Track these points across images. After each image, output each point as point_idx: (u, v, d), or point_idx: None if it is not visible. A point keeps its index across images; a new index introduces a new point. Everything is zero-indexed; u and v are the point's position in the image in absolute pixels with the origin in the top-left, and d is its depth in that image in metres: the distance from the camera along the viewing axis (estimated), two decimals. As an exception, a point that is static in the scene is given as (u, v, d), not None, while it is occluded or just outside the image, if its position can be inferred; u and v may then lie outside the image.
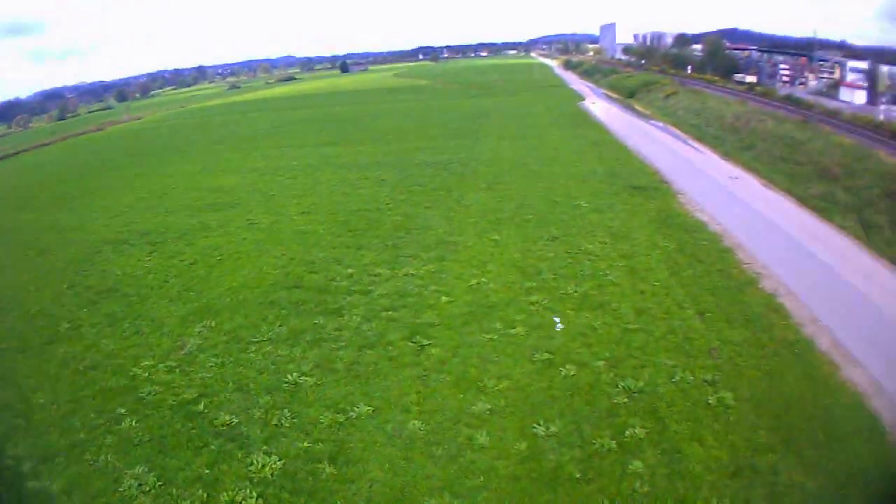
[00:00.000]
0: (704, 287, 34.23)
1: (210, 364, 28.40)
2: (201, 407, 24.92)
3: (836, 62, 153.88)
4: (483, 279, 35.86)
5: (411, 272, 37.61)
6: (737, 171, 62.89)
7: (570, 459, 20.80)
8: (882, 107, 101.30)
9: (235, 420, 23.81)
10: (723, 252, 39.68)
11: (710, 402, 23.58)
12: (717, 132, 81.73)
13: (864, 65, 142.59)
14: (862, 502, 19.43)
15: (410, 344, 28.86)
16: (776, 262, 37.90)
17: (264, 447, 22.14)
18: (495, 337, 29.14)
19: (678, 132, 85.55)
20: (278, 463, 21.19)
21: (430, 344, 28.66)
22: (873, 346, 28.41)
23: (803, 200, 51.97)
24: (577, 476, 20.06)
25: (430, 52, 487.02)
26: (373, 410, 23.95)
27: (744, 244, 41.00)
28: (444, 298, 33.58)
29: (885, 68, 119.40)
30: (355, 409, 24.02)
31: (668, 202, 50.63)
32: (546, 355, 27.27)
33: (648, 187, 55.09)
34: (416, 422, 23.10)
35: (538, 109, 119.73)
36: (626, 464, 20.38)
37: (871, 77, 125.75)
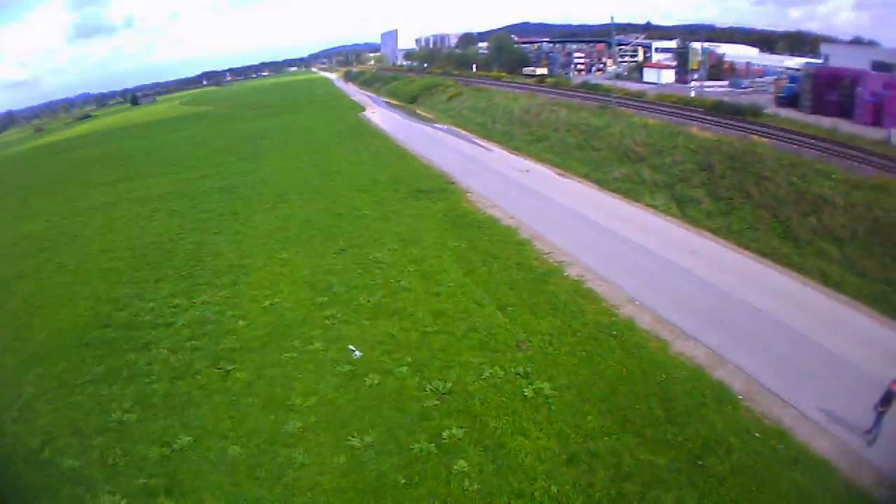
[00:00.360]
0: (502, 282, 39.57)
1: (46, 410, 30.97)
2: (47, 454, 27.27)
3: (638, 44, 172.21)
4: (276, 299, 40.36)
5: (207, 300, 42.00)
6: (528, 163, 71.26)
7: (391, 467, 23.77)
8: (693, 83, 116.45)
9: (77, 464, 26.30)
10: (519, 245, 45.82)
11: (526, 394, 27.53)
12: (505, 128, 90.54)
13: (672, 44, 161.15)
14: (728, 467, 23.64)
15: (216, 370, 32.32)
16: (580, 249, 44.05)
17: (108, 487, 24.54)
18: (295, 355, 32.91)
19: (464, 132, 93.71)
20: (123, 502, 23.71)
21: (234, 368, 32.23)
22: (702, 317, 34.30)
23: (604, 184, 60.34)
24: (403, 482, 23.04)
25: (213, 77, 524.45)
26: (193, 440, 26.87)
27: (542, 235, 47.20)
28: (241, 322, 37.61)
29: (696, 45, 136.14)
30: (177, 440, 26.91)
31: (457, 202, 57.15)
32: (348, 367, 30.91)
33: (434, 190, 61.80)
34: (235, 447, 25.96)
35: (319, 124, 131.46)
36: (450, 465, 23.48)
37: (681, 55, 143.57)
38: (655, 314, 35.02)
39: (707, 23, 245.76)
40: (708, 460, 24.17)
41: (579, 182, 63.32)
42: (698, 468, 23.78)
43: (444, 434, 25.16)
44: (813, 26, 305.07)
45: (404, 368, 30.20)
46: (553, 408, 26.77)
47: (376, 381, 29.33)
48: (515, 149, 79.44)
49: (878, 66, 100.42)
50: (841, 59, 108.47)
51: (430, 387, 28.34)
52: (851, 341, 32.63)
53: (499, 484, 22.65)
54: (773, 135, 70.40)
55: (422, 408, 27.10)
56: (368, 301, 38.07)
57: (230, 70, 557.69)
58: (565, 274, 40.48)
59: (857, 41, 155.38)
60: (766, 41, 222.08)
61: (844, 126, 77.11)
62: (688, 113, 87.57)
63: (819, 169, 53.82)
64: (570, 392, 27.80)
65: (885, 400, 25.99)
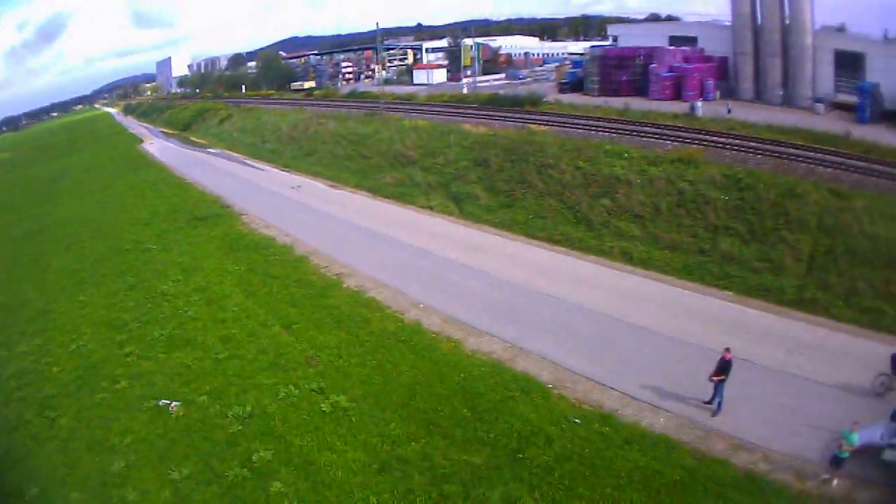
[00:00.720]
0: (284, 301, 41.47)
1: None
2: None
3: (408, 47, 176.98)
4: (81, 342, 40.44)
5: (25, 349, 41.37)
6: (299, 179, 73.96)
7: (213, 496, 24.56)
8: (465, 80, 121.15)
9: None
10: (296, 262, 48.01)
11: (324, 409, 28.97)
12: (275, 146, 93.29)
13: (444, 43, 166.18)
14: (552, 457, 25.31)
15: (43, 419, 32.15)
16: (357, 259, 46.56)
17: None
18: (106, 395, 33.29)
19: (236, 155, 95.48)
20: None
21: (58, 415, 32.19)
22: (493, 312, 36.88)
23: (376, 191, 64.00)
24: None
25: (11, 123, 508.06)
26: (39, 491, 26.90)
27: (318, 249, 49.48)
28: (55, 369, 37.55)
29: (468, 41, 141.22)
30: (27, 492, 26.75)
31: (233, 226, 58.91)
32: (152, 402, 31.45)
33: (211, 216, 63.16)
34: (75, 493, 26.11)
35: (101, 161, 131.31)
36: (266, 487, 24.42)
37: (452, 53, 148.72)
38: (443, 315, 37.34)
39: (482, 18, 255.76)
40: (528, 452, 25.80)
41: (351, 192, 66.65)
42: (520, 461, 25.36)
43: (254, 458, 26.06)
44: (604, 9, 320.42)
45: (204, 397, 30.99)
46: (353, 419, 28.19)
47: (180, 413, 30.05)
48: (286, 166, 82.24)
49: (677, 41, 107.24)
50: (634, 39, 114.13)
51: (231, 413, 29.21)
52: (667, 316, 36.34)
53: (316, 500, 23.72)
54: (554, 122, 75.04)
55: (227, 434, 27.93)
56: (161, 334, 38.82)
57: (25, 114, 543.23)
58: (345, 286, 42.70)
59: (654, 18, 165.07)
60: (547, 29, 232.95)
61: (637, 104, 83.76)
62: (461, 110, 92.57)
63: (609, 150, 57.79)
64: (368, 402, 29.34)
65: (721, 369, 28.40)
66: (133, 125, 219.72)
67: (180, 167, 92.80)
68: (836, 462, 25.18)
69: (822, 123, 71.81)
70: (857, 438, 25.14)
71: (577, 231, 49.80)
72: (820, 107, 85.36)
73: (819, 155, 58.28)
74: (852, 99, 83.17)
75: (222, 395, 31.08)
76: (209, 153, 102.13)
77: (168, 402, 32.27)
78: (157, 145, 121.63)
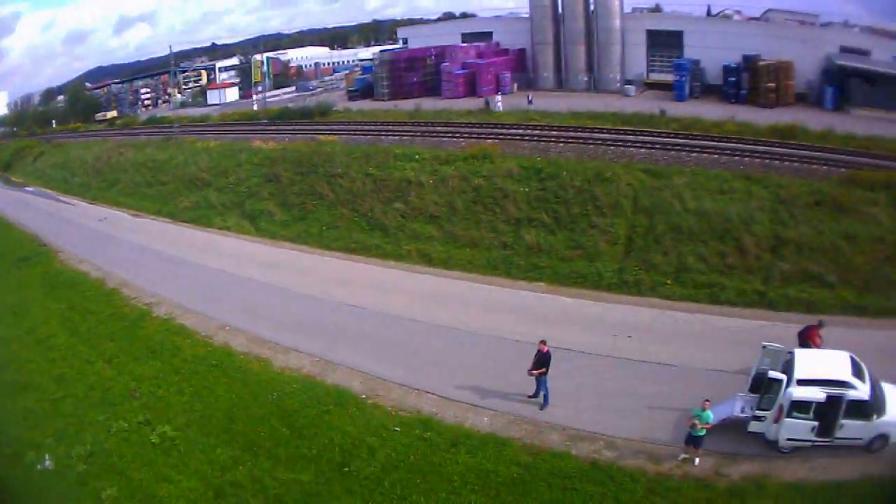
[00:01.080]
0: (103, 335, 41.75)
1: None
2: None
3: (201, 68, 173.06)
4: None
5: None
6: (105, 210, 73.23)
7: None
8: (255, 97, 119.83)
9: None
10: (109, 295, 48.06)
11: (153, 441, 29.60)
12: (83, 179, 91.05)
13: (235, 61, 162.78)
14: (378, 467, 26.05)
15: None
16: (163, 287, 46.98)
17: None
18: None
19: (49, 191, 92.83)
20: None
21: None
22: (298, 328, 38.08)
23: (176, 216, 64.88)
24: None
25: None
26: None
27: (128, 280, 49.63)
28: None
29: (258, 57, 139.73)
30: None
31: (51, 264, 57.96)
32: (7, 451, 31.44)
33: (31, 255, 61.87)
34: None
35: None
36: None
37: (243, 70, 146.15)
38: (249, 334, 38.27)
39: (274, 32, 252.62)
40: (354, 465, 26.37)
41: (153, 219, 66.54)
42: (347, 475, 25.93)
43: (103, 496, 26.61)
44: (396, 12, 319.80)
45: (50, 440, 31.12)
46: (181, 449, 28.88)
47: (32, 458, 30.09)
48: (94, 198, 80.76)
49: (470, 37, 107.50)
50: (426, 39, 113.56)
51: (74, 453, 29.56)
52: (475, 313, 37.52)
53: None
54: (343, 131, 76.31)
55: (76, 474, 28.39)
56: (7, 380, 38.51)
57: None
58: (154, 315, 43.02)
59: (448, 17, 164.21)
60: (338, 37, 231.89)
61: (430, 104, 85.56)
62: (252, 127, 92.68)
63: (399, 153, 58.91)
64: (192, 430, 30.07)
65: (540, 363, 28.58)
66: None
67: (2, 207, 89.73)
68: (693, 441, 25.58)
69: (636, 105, 75.34)
70: (713, 415, 25.71)
71: (373, 238, 50.59)
72: (631, 89, 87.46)
73: (630, 137, 60.25)
74: (668, 78, 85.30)
75: (64, 436, 31.30)
76: (26, 191, 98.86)
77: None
78: None
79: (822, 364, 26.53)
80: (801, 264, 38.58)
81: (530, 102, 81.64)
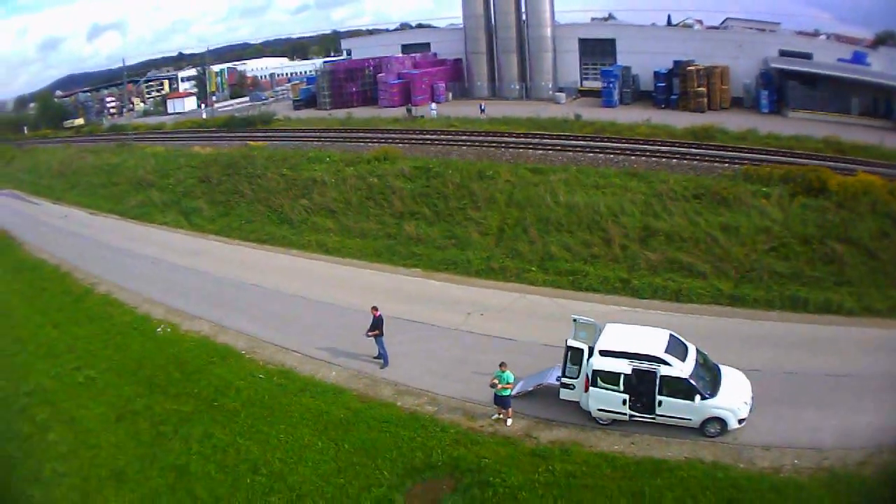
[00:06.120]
0: (53, 307, 48.52)
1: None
2: None
3: (164, 77, 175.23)
4: None
5: None
6: (66, 209, 78.96)
7: (12, 448, 31.57)
8: (204, 106, 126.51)
9: None
10: (62, 277, 54.80)
11: (80, 380, 36.55)
12: (48, 181, 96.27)
13: (194, 72, 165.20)
14: (239, 403, 31.61)
15: None
16: (106, 271, 53.34)
17: None
18: None
19: (19, 193, 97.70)
20: None
21: None
22: (205, 300, 44.58)
23: (124, 214, 70.79)
24: (20, 455, 31.00)
25: None
26: None
27: (79, 266, 55.89)
28: None
29: (215, 68, 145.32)
30: None
31: (16, 253, 64.70)
32: None
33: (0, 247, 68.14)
34: None
35: None
36: (45, 437, 31.83)
37: (202, 81, 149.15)
38: (166, 306, 44.77)
39: (241, 42, 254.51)
40: (221, 400, 32.10)
41: (105, 216, 72.83)
42: (215, 407, 31.65)
43: (38, 419, 33.47)
44: (363, 22, 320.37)
45: (3, 382, 38.37)
46: (100, 386, 35.76)
47: None
48: (57, 199, 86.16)
49: (409, 48, 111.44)
50: (368, 51, 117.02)
51: (21, 390, 36.79)
52: (351, 292, 42.29)
53: (78, 442, 31.04)
54: (275, 137, 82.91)
55: (19, 405, 35.47)
56: None
57: None
58: (96, 291, 49.75)
59: (405, 26, 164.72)
60: (299, 48, 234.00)
61: (364, 112, 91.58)
62: (198, 134, 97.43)
63: (312, 156, 65.78)
64: (110, 373, 36.90)
65: (374, 325, 32.82)
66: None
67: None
68: (500, 401, 27.57)
69: (563, 112, 78.96)
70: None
71: (281, 230, 56.38)
72: (561, 96, 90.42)
73: (531, 140, 65.61)
74: (601, 85, 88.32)
75: (16, 380, 38.18)
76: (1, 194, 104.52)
77: None
78: None
79: (631, 338, 27.25)
80: (669, 254, 40.88)
81: (483, 111, 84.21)
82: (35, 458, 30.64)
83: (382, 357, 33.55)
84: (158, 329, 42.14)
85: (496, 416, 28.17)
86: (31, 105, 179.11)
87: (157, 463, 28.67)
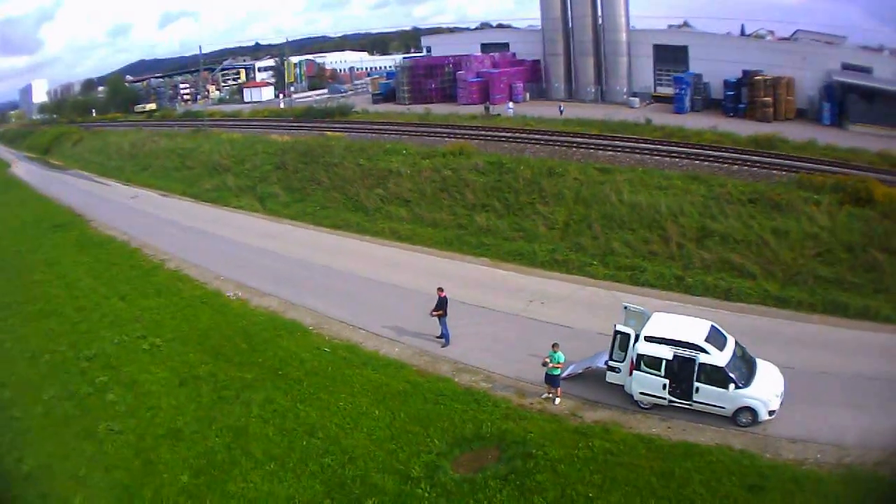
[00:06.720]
0: (120, 280, 50.88)
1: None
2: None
3: (242, 67, 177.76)
4: None
5: None
6: (137, 190, 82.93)
7: (70, 406, 33.20)
8: (282, 97, 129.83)
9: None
10: (131, 253, 57.44)
11: (144, 347, 38.32)
12: (118, 163, 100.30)
13: (272, 62, 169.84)
14: (303, 373, 33.38)
15: None
16: (178, 248, 55.87)
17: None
18: None
19: (86, 173, 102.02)
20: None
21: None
22: (277, 280, 46.30)
23: (198, 196, 73.86)
24: (77, 414, 32.61)
25: None
26: None
27: (149, 243, 58.67)
28: None
29: (293, 59, 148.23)
30: None
31: (83, 230, 67.92)
32: (27, 354, 40.66)
33: (66, 223, 71.67)
34: None
35: None
36: (104, 398, 33.41)
37: (280, 71, 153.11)
38: (237, 283, 47.00)
39: (320, 35, 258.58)
40: (285, 370, 33.94)
41: (178, 198, 76.04)
42: (279, 376, 33.46)
43: (97, 381, 34.98)
44: (444, 20, 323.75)
45: (64, 348, 39.96)
46: (164, 353, 37.52)
47: (48, 358, 39.01)
48: (127, 180, 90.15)
49: (489, 48, 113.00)
50: (447, 48, 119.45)
51: (81, 355, 38.40)
52: (422, 277, 43.93)
53: (137, 404, 32.56)
54: (353, 129, 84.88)
55: (80, 368, 37.07)
56: (34, 309, 47.47)
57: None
58: (166, 267, 52.21)
59: (485, 26, 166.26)
60: (379, 43, 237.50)
61: (442, 109, 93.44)
62: (275, 123, 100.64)
63: (389, 148, 67.91)
64: (175, 342, 38.70)
65: (438, 306, 34.92)
66: (1, 151, 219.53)
67: (41, 186, 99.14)
68: (550, 380, 29.31)
69: (631, 115, 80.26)
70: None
71: (356, 217, 58.51)
72: (635, 100, 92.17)
73: (602, 141, 66.94)
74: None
75: (77, 346, 39.93)
76: (65, 173, 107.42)
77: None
78: (23, 168, 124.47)
79: (675, 326, 28.89)
80: (723, 255, 42.22)
81: (561, 112, 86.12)
82: (91, 416, 32.23)
83: (444, 336, 35.50)
84: (230, 293, 45.21)
85: (546, 394, 29.90)
86: (100, 88, 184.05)
87: (215, 424, 30.10)
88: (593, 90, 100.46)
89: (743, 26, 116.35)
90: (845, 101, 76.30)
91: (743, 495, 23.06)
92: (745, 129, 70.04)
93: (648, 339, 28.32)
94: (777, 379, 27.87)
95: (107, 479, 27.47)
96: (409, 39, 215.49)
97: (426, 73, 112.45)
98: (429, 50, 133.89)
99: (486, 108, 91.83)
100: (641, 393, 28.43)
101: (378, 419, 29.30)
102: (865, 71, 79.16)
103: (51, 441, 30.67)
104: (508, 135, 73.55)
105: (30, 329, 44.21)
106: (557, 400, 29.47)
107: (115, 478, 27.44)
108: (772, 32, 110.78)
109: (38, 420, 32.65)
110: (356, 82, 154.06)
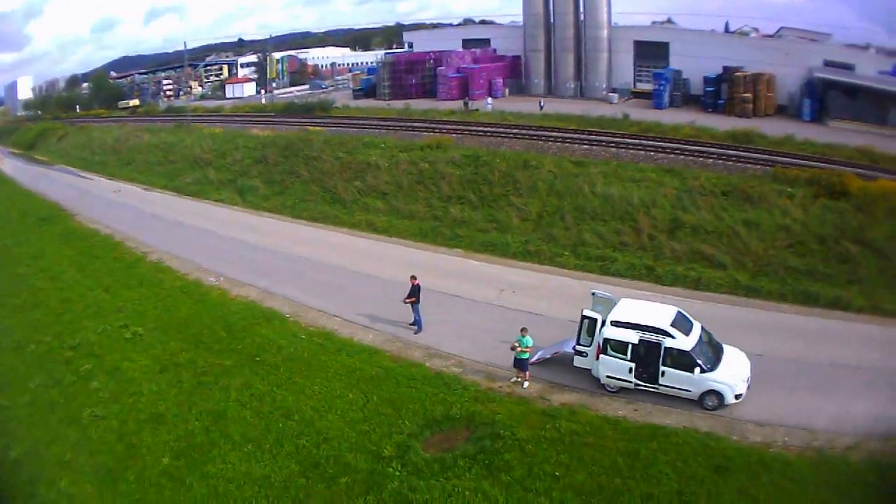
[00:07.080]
0: (104, 272, 51.46)
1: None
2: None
3: (224, 63, 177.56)
4: None
5: None
6: (120, 184, 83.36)
7: (55, 394, 33.80)
8: (263, 92, 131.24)
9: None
10: (114, 246, 57.97)
11: (127, 336, 39.04)
12: (102, 158, 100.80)
13: (254, 58, 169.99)
14: (280, 359, 34.64)
15: None
16: (160, 241, 56.60)
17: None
18: None
19: (71, 168, 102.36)
20: None
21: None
22: (255, 270, 47.17)
23: (180, 190, 74.58)
24: (62, 400, 33.42)
25: None
26: None
27: (132, 236, 59.30)
28: None
29: (276, 55, 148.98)
30: None
31: (68, 224, 68.24)
32: (11, 345, 41.12)
33: (51, 217, 72.05)
34: None
35: None
36: (88, 386, 34.09)
37: (262, 67, 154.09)
38: (217, 273, 47.89)
39: (303, 30, 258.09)
40: (263, 356, 34.87)
41: (160, 192, 76.74)
42: (257, 362, 34.35)
43: (81, 370, 35.67)
44: (428, 16, 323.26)
45: (49, 338, 40.50)
46: (146, 341, 38.31)
47: (33, 349, 39.64)
48: (111, 174, 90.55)
49: (470, 43, 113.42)
50: (429, 44, 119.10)
51: (66, 345, 39.07)
52: (395, 267, 44.22)
53: (119, 390, 33.33)
54: (333, 123, 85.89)
55: (64, 358, 37.67)
56: (18, 302, 47.86)
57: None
58: (148, 259, 52.97)
59: (468, 22, 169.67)
60: (361, 39, 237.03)
61: (421, 104, 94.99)
62: (257, 119, 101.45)
63: (368, 142, 69.29)
64: (157, 331, 39.46)
65: (411, 293, 35.96)
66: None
67: (26, 181, 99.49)
68: (518, 364, 30.05)
69: (610, 111, 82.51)
70: (529, 341, 29.85)
71: (333, 209, 59.50)
72: (614, 96, 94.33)
73: (579, 135, 68.71)
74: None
75: (61, 336, 40.54)
76: (50, 168, 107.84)
77: None
78: (9, 164, 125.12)
79: (641, 312, 29.65)
80: (694, 245, 43.34)
81: (542, 107, 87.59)
82: (76, 402, 33.02)
83: (417, 323, 36.47)
84: (210, 282, 46.22)
85: (514, 378, 30.68)
86: (85, 84, 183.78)
87: (195, 409, 30.96)
88: (573, 86, 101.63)
89: (727, 23, 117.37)
90: (826, 97, 77.69)
91: (709, 475, 23.70)
92: (723, 124, 71.96)
93: (615, 323, 29.01)
94: (744, 364, 28.58)
95: (91, 462, 28.23)
96: (391, 35, 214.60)
97: (407, 68, 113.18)
98: (411, 46, 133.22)
99: (465, 104, 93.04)
100: (608, 376, 29.18)
101: (351, 402, 30.22)
102: (847, 68, 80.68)
103: (37, 428, 31.42)
104: (486, 129, 74.37)
105: (15, 320, 44.75)
106: (526, 383, 30.21)
107: (100, 461, 28.21)
108: (756, 30, 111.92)
109: (24, 408, 33.29)
110: (338, 78, 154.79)
